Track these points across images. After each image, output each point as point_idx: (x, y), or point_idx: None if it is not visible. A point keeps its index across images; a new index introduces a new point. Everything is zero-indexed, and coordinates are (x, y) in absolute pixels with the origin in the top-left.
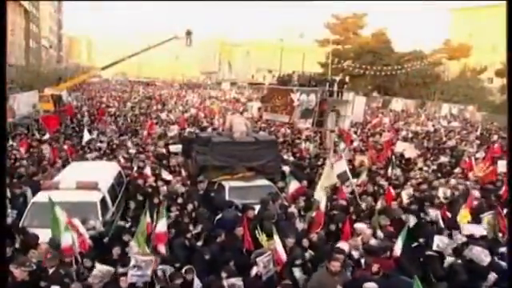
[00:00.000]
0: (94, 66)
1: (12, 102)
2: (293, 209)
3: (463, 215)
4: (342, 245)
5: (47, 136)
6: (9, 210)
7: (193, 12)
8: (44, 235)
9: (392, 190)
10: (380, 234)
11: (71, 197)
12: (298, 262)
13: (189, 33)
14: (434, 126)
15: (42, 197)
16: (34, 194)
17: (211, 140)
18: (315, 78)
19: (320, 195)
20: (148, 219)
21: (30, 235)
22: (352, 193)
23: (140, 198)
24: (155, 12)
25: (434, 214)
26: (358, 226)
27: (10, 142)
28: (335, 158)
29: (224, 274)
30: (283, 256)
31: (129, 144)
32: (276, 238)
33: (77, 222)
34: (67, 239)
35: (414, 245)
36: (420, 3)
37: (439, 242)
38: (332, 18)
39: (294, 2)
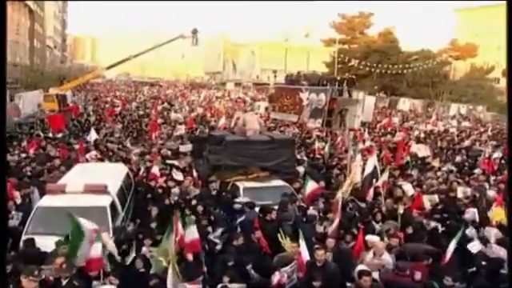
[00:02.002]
0: (99, 66)
1: (17, 101)
2: (313, 211)
3: (496, 213)
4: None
5: (60, 135)
6: (13, 212)
7: (197, 12)
8: (49, 243)
9: (420, 197)
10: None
11: (79, 201)
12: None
13: (195, 31)
14: (444, 126)
15: (47, 201)
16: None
17: (225, 139)
18: (324, 77)
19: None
20: (173, 236)
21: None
22: (377, 195)
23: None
24: (159, 12)
25: (471, 212)
26: (370, 238)
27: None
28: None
29: (226, 279)
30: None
31: (129, 145)
32: (302, 242)
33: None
34: (97, 250)
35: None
36: (425, 3)
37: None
38: (338, 18)
39: (299, 1)
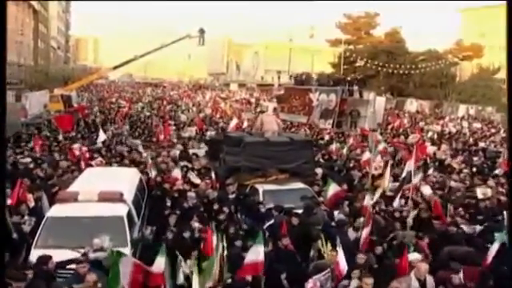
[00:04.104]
0: (102, 67)
1: (24, 101)
2: (341, 215)
3: None
4: None
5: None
6: (26, 217)
7: (200, 12)
8: (59, 258)
9: (438, 204)
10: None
11: (93, 210)
12: None
13: (202, 31)
14: (454, 126)
15: (58, 210)
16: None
17: (243, 140)
18: (333, 78)
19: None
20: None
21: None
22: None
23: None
24: (161, 13)
25: None
26: (415, 258)
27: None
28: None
29: None
30: (344, 271)
31: (140, 148)
32: (340, 250)
33: None
34: (159, 265)
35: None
36: (430, 3)
37: None
38: (343, 18)
39: (303, 1)
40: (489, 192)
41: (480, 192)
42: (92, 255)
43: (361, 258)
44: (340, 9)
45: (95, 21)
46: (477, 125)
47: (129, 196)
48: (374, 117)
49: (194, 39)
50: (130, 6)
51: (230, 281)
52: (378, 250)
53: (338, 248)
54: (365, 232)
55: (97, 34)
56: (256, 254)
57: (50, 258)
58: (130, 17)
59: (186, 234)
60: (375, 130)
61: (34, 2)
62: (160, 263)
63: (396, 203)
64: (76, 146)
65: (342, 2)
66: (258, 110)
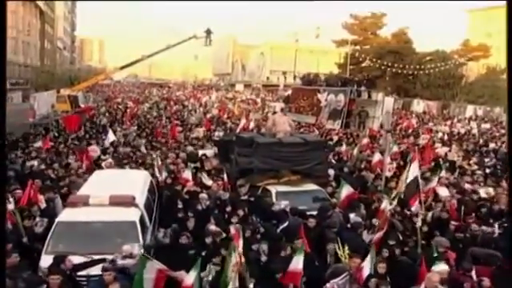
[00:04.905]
0: (106, 67)
1: (33, 102)
2: (356, 217)
3: None
4: None
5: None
6: (37, 219)
7: (205, 13)
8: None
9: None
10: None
11: (104, 215)
12: None
13: (209, 32)
14: (463, 127)
15: (68, 215)
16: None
17: (255, 141)
18: (341, 78)
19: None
20: (235, 258)
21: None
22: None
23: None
24: (165, 14)
25: None
26: (440, 268)
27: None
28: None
29: None
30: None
31: (142, 148)
32: (369, 258)
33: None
34: (190, 278)
35: None
36: (437, 4)
37: None
38: (350, 18)
39: (310, 2)
40: (491, 191)
41: (483, 192)
42: (120, 262)
43: (382, 267)
44: (346, 9)
45: (100, 21)
46: (486, 125)
47: (140, 199)
48: (388, 118)
49: (198, 39)
50: (134, 7)
51: (251, 286)
52: (385, 252)
53: (369, 255)
54: (378, 234)
55: (102, 35)
56: (297, 263)
57: (65, 256)
58: (133, 18)
59: (208, 240)
60: (389, 131)
61: (40, 3)
62: (192, 277)
63: (415, 207)
64: (92, 147)
65: (349, 3)
66: (266, 110)
